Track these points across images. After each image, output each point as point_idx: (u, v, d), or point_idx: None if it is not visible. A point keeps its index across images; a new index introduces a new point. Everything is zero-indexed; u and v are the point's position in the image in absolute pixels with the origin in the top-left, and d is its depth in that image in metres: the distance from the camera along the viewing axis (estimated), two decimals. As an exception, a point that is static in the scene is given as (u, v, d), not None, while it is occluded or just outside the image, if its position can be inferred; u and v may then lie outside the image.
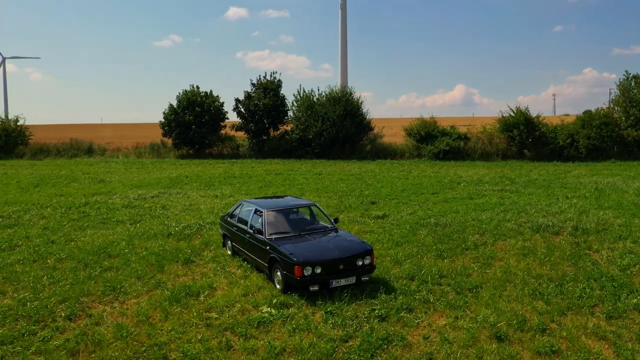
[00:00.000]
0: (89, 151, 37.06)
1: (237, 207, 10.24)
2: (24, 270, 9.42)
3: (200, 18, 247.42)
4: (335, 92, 31.90)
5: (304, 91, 32.98)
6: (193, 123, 33.30)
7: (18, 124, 38.68)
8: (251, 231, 9.00)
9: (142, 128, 60.75)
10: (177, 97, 34.19)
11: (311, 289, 7.70)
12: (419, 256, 9.87)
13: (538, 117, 28.73)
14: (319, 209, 9.66)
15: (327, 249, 8.09)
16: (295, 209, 9.56)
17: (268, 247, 8.38)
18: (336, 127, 30.59)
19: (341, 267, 7.89)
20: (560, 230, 11.59)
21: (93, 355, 6.12)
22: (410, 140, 31.05)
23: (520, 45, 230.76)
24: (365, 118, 32.63)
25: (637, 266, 8.95)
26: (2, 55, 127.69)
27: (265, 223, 8.80)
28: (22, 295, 8.04)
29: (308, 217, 9.69)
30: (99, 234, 12.25)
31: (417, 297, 7.70)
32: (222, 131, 34.99)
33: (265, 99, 32.79)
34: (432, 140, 29.96)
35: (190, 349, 6.21)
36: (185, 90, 34.60)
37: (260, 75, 34.19)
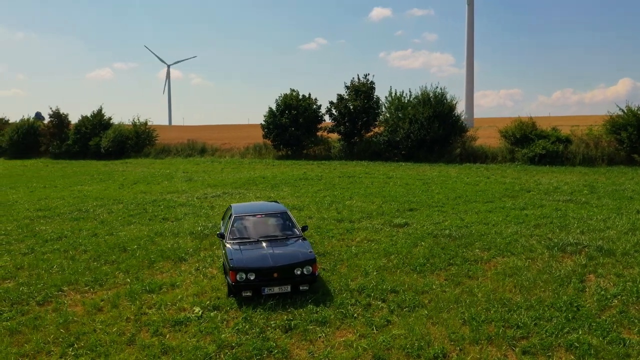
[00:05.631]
0: (202, 151, 40.47)
1: (226, 210, 10.83)
2: (48, 258, 10.98)
3: (345, 20, 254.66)
4: (425, 93, 31.05)
5: (396, 92, 32.65)
6: (290, 125, 34.76)
7: (147, 125, 43.62)
8: (223, 234, 9.51)
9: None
10: (276, 101, 35.95)
11: (244, 294, 8.01)
12: (393, 269, 9.59)
13: (653, 116, 25.14)
14: (289, 216, 9.85)
15: (268, 256, 8.31)
16: (266, 215, 9.84)
17: (224, 251, 8.84)
18: (424, 129, 29.81)
19: (275, 275, 8.07)
20: (581, 250, 10.35)
21: (24, 337, 7.11)
22: (504, 143, 29.11)
23: None
24: (459, 119, 31.29)
25: (623, 297, 7.79)
26: (166, 63, 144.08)
27: (229, 227, 9.27)
28: (22, 280, 9.47)
29: (283, 223, 9.88)
30: (137, 229, 13.67)
31: (342, 311, 7.60)
32: (318, 133, 35.97)
33: (356, 101, 33.06)
34: (528, 143, 27.77)
35: (99, 339, 6.92)
36: (285, 94, 36.21)
37: (353, 78, 34.55)
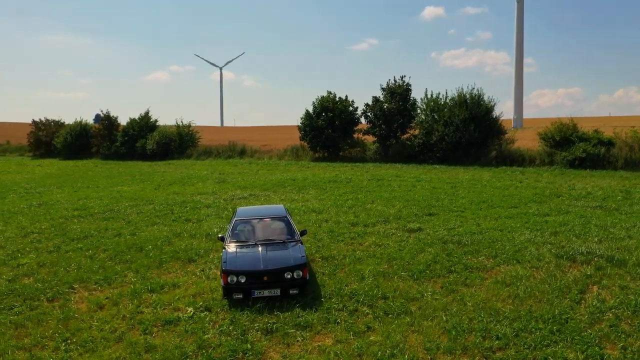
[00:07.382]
0: (242, 153, 41.27)
1: (233, 213, 11.13)
2: (69, 257, 11.62)
3: (396, 20, 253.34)
4: (462, 94, 30.48)
5: (432, 94, 32.23)
6: (326, 127, 34.96)
7: (190, 127, 44.89)
8: (223, 238, 9.81)
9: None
10: (313, 103, 36.25)
11: (234, 296, 8.25)
12: (391, 275, 9.59)
13: None
14: (288, 220, 10.02)
15: (260, 259, 8.52)
16: (266, 219, 10.05)
17: (222, 254, 9.14)
18: (460, 132, 29.28)
19: (265, 278, 8.27)
20: (591, 259, 9.98)
21: (27, 330, 7.63)
22: (543, 146, 28.16)
23: None
24: (497, 122, 30.51)
25: (618, 311, 7.49)
26: (218, 66, 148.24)
27: (230, 230, 9.56)
28: (39, 277, 10.09)
29: (281, 227, 10.04)
30: (158, 230, 14.20)
31: (326, 316, 7.70)
32: (354, 135, 35.97)
33: (391, 103, 32.87)
34: (568, 146, 26.76)
35: (91, 335, 7.33)
36: (322, 97, 36.44)
37: (389, 80, 34.37)
